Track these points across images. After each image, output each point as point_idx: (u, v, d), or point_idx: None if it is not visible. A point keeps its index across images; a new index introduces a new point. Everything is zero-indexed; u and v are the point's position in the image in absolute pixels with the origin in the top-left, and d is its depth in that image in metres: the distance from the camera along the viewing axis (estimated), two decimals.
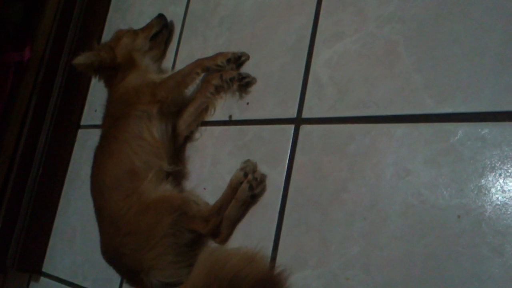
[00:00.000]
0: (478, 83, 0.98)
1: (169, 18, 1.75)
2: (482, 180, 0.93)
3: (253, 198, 1.25)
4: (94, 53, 1.57)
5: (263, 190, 1.25)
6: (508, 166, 0.91)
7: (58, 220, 1.93)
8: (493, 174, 0.93)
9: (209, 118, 1.48)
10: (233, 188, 1.25)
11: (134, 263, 1.27)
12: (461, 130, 0.98)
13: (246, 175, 1.24)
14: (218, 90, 1.44)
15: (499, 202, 0.91)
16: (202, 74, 1.45)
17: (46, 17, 1.97)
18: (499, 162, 0.92)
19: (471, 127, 0.97)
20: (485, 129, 0.95)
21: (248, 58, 1.44)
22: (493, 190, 0.92)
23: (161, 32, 1.71)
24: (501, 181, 0.92)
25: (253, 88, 1.39)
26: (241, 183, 1.24)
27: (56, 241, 1.90)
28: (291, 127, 1.26)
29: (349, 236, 1.07)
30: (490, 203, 0.91)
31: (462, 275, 0.90)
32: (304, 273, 1.12)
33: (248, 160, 1.28)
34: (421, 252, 0.96)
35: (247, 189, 1.23)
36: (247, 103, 1.39)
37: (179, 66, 1.58)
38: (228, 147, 1.39)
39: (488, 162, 0.94)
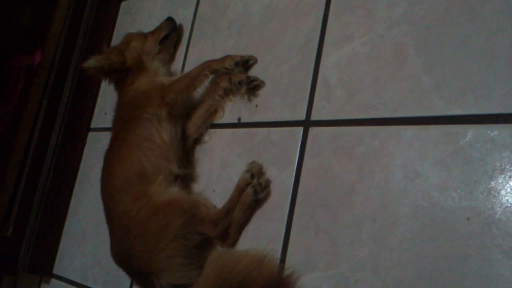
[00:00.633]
0: (487, 85, 0.98)
1: (178, 21, 1.76)
2: (492, 182, 0.93)
3: (257, 202, 1.25)
4: (104, 57, 1.58)
5: (267, 195, 1.26)
6: None
7: (69, 222, 1.94)
8: (503, 176, 0.92)
9: (218, 120, 1.48)
10: (240, 190, 1.25)
11: (144, 265, 1.27)
12: (471, 132, 0.98)
13: (252, 176, 1.24)
14: (227, 92, 1.45)
15: (509, 204, 0.90)
16: (211, 76, 1.45)
17: (56, 21, 1.98)
18: (509, 164, 0.92)
19: (480, 129, 0.97)
20: (494, 131, 0.95)
21: (256, 61, 1.44)
22: (503, 192, 0.92)
23: (170, 35, 1.72)
24: (511, 183, 0.91)
25: (262, 91, 1.39)
26: (248, 184, 1.24)
27: (66, 243, 1.91)
28: (300, 129, 1.27)
29: (358, 238, 1.07)
30: (500, 205, 0.91)
31: (471, 278, 0.90)
32: (314, 276, 1.12)
33: (253, 162, 1.28)
34: (431, 254, 0.96)
35: (251, 193, 1.24)
36: (256, 106, 1.39)
37: (188, 68, 1.58)
38: (237, 150, 1.40)
39: (498, 164, 0.93)
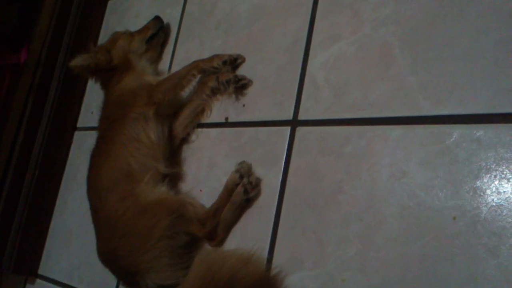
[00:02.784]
0: (473, 85, 0.99)
1: (165, 21, 1.75)
2: (478, 182, 0.94)
3: (247, 201, 1.25)
4: (91, 55, 1.57)
5: (257, 194, 1.25)
6: (503, 167, 0.92)
7: (55, 222, 1.92)
8: (488, 175, 0.93)
9: (205, 120, 1.48)
10: (229, 190, 1.25)
11: (130, 265, 1.26)
12: (457, 132, 0.98)
13: (241, 177, 1.24)
14: (215, 92, 1.44)
15: (494, 204, 0.91)
16: (198, 76, 1.45)
17: (42, 19, 1.96)
18: (494, 164, 0.93)
19: (466, 129, 0.97)
20: (480, 131, 0.96)
21: (244, 60, 1.44)
22: (488, 191, 0.92)
23: (157, 34, 1.71)
24: (496, 182, 0.92)
25: (249, 90, 1.39)
26: (237, 184, 1.24)
27: (52, 243, 1.90)
28: (287, 129, 1.27)
29: (345, 237, 1.07)
30: (485, 204, 0.92)
31: (457, 276, 0.91)
32: (301, 275, 1.12)
33: (243, 162, 1.28)
34: (417, 254, 0.96)
35: (242, 192, 1.23)
36: (243, 105, 1.39)
37: (176, 68, 1.58)
38: (224, 149, 1.39)
39: (483, 164, 0.94)
